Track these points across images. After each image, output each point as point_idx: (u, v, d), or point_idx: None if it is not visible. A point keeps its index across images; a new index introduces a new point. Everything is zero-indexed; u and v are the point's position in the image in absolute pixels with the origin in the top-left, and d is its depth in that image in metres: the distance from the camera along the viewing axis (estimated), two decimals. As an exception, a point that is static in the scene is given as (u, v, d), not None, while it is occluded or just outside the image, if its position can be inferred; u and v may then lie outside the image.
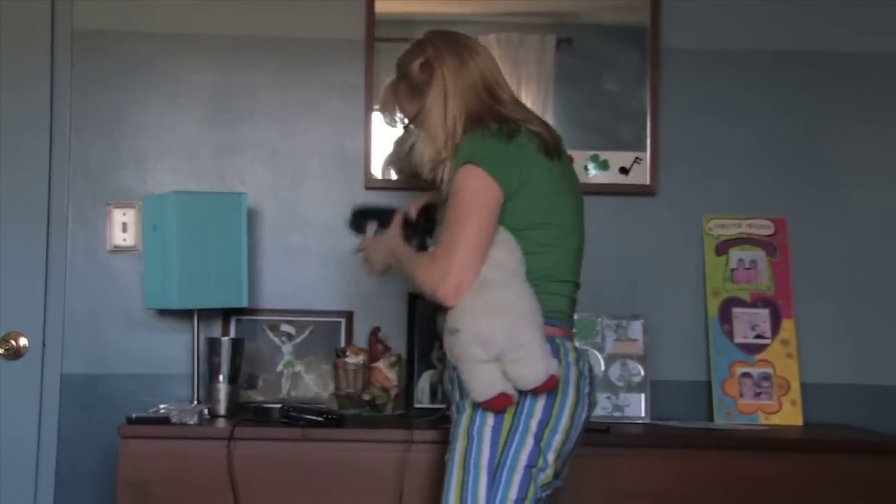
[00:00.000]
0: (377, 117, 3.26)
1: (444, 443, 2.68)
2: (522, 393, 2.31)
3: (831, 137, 3.35)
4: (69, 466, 3.19)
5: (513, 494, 2.29)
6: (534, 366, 2.27)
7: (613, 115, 3.32)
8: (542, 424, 2.33)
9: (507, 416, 2.32)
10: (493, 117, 2.41)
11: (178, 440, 2.77)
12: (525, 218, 2.37)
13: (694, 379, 3.26)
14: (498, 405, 2.29)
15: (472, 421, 2.34)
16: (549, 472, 2.34)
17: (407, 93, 2.51)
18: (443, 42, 2.50)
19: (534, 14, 3.32)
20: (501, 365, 2.28)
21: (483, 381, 2.29)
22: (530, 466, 2.31)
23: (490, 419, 2.32)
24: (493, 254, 2.33)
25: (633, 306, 3.23)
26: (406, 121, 2.55)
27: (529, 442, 2.32)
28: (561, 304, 2.41)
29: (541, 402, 2.33)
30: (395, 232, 2.58)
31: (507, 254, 2.34)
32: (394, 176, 3.18)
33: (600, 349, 3.16)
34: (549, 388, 2.30)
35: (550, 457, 2.33)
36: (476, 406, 2.33)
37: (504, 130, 2.38)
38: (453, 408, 2.47)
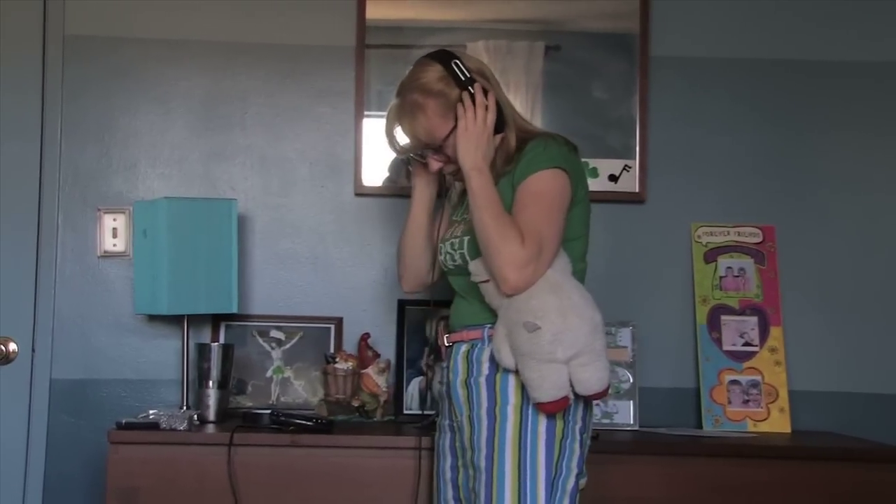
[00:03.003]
0: (367, 124, 3.28)
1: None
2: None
3: (820, 146, 3.37)
4: (58, 472, 3.19)
5: (567, 502, 2.33)
6: (601, 372, 2.32)
7: (602, 122, 3.33)
8: (582, 432, 2.38)
9: (559, 425, 2.34)
10: (531, 128, 2.52)
11: (168, 446, 2.77)
12: (575, 229, 2.43)
13: (682, 386, 3.27)
14: (558, 408, 2.30)
15: (522, 429, 2.33)
16: (586, 478, 2.40)
17: (438, 110, 2.44)
18: (461, 55, 2.48)
19: (522, 21, 3.33)
20: (569, 367, 2.29)
21: (552, 381, 2.28)
22: (579, 474, 2.36)
23: (542, 427, 2.33)
24: (556, 260, 2.36)
25: (622, 313, 3.23)
26: (435, 143, 2.47)
27: (577, 449, 2.36)
28: None
29: (580, 412, 2.38)
30: (490, 136, 2.42)
31: (565, 262, 2.39)
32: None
33: (589, 356, 3.17)
34: (604, 396, 2.36)
35: (584, 463, 2.40)
36: (523, 413, 2.33)
37: (568, 143, 2.45)
38: (472, 414, 2.41)
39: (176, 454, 2.77)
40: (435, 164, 2.51)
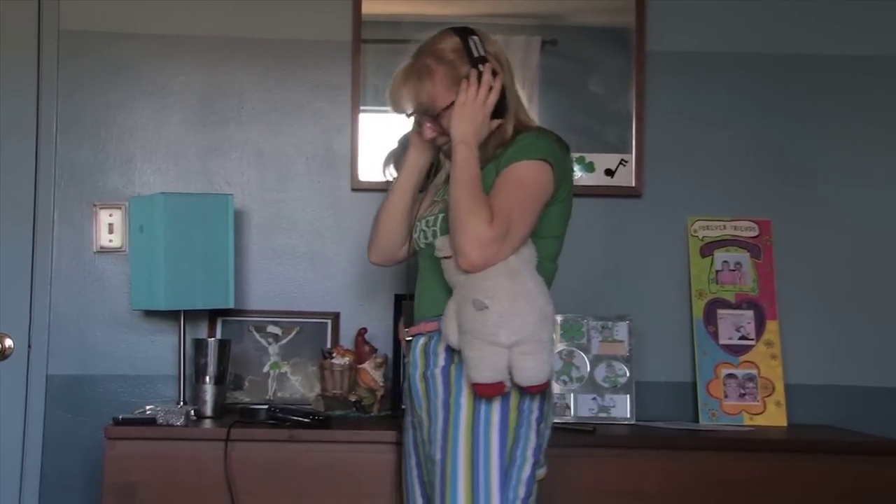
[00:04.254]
0: (364, 118, 3.28)
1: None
2: (514, 389, 2.31)
3: (816, 139, 3.37)
4: (55, 468, 3.19)
5: (523, 492, 2.31)
6: (542, 364, 2.29)
7: (599, 117, 3.33)
8: (539, 422, 2.36)
9: (512, 413, 2.33)
10: (531, 123, 2.51)
11: (165, 441, 2.77)
12: (549, 228, 2.43)
13: (679, 380, 3.27)
14: (491, 392, 2.28)
15: (475, 418, 2.32)
16: (545, 469, 2.38)
17: (444, 79, 2.42)
18: (482, 34, 2.47)
19: (519, 16, 3.33)
20: (510, 354, 2.27)
21: (491, 363, 2.27)
22: (535, 463, 2.34)
23: (496, 416, 2.32)
24: (520, 248, 2.35)
25: (619, 307, 3.24)
26: (433, 110, 2.45)
27: (533, 438, 2.34)
28: None
29: (536, 402, 2.36)
30: (486, 115, 2.41)
31: (530, 253, 2.37)
32: (392, 174, 3.12)
33: (586, 350, 3.17)
34: (541, 390, 2.33)
35: (543, 453, 2.38)
36: (476, 401, 2.32)
37: (560, 141, 2.45)
38: (430, 407, 2.41)
39: (173, 450, 2.77)
40: (429, 133, 2.49)
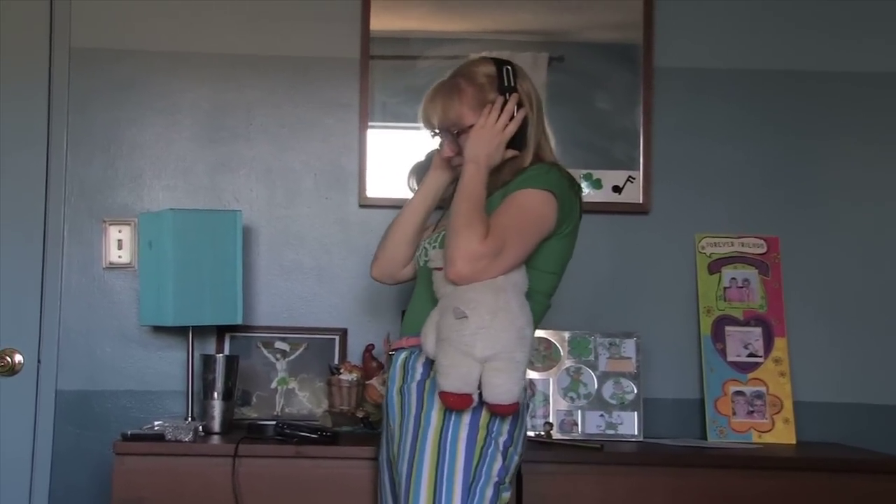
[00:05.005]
0: (372, 135, 3.29)
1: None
2: (481, 407, 2.31)
3: (823, 156, 3.37)
4: (63, 483, 3.19)
5: None
6: (513, 384, 2.28)
7: (606, 133, 3.33)
8: (507, 445, 2.36)
9: (481, 432, 2.32)
10: (554, 160, 2.51)
11: (173, 457, 2.77)
12: (548, 263, 2.43)
13: (687, 397, 3.27)
14: (457, 403, 2.28)
15: (442, 433, 2.32)
16: (510, 493, 2.38)
17: (472, 101, 2.45)
18: (518, 68, 2.50)
19: (526, 32, 3.34)
20: (483, 369, 2.27)
21: (461, 374, 2.27)
22: (499, 483, 2.34)
23: (463, 433, 2.32)
24: (512, 272, 2.35)
25: (627, 324, 3.24)
26: (454, 129, 2.48)
27: (499, 458, 2.34)
28: None
29: (507, 425, 2.36)
30: (501, 143, 2.43)
31: (522, 278, 2.37)
32: (415, 187, 3.11)
33: (593, 367, 3.17)
34: (508, 412, 2.32)
35: (509, 478, 2.38)
36: (445, 417, 2.32)
37: (574, 181, 2.47)
38: (403, 422, 2.40)
39: (181, 465, 2.77)
40: (447, 151, 2.52)
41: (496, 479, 2.33)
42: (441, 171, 2.62)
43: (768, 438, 3.17)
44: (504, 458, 2.35)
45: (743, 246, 3.31)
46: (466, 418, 2.32)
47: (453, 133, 2.48)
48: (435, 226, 2.63)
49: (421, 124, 3.32)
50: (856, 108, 3.38)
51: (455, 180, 2.53)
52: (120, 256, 3.26)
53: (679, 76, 3.35)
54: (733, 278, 3.30)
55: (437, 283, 2.39)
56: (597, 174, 3.30)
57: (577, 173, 3.25)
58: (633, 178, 3.31)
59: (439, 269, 2.38)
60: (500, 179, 2.45)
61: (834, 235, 3.35)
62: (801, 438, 3.19)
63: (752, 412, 3.20)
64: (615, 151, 3.32)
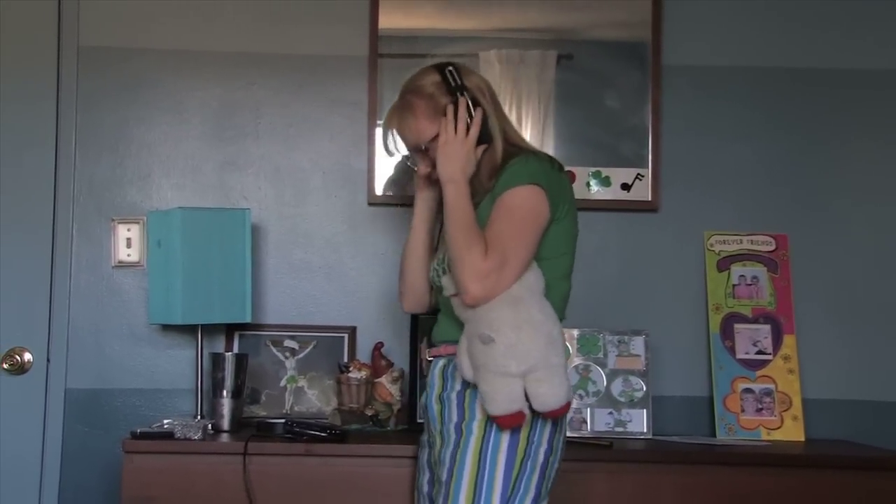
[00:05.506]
0: (380, 133, 3.28)
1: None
2: (533, 417, 2.31)
3: (832, 154, 3.37)
4: (73, 481, 3.20)
5: None
6: (558, 388, 2.29)
7: (615, 131, 3.33)
8: (547, 455, 2.37)
9: (521, 444, 2.33)
10: (524, 145, 2.51)
11: (183, 455, 2.78)
12: (555, 248, 2.42)
13: (696, 394, 3.27)
14: (512, 422, 2.29)
15: (483, 444, 2.33)
16: (546, 501, 2.39)
17: (426, 112, 2.47)
18: (460, 66, 2.50)
19: (534, 30, 3.34)
20: (525, 382, 2.28)
21: (505, 394, 2.27)
22: (538, 496, 2.35)
23: (504, 444, 2.32)
24: (525, 275, 2.35)
25: (635, 322, 3.24)
26: (422, 145, 2.49)
27: (538, 471, 2.35)
28: None
29: (546, 433, 2.36)
30: (470, 149, 2.42)
31: (535, 278, 2.37)
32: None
33: (602, 365, 3.17)
34: (563, 412, 2.33)
35: (548, 487, 2.38)
36: (487, 428, 2.33)
37: (553, 161, 2.46)
38: (444, 429, 2.42)
39: (190, 464, 2.78)
40: (423, 169, 2.53)
41: (534, 492, 2.34)
42: (426, 189, 2.62)
43: (777, 436, 3.17)
44: (544, 469, 2.36)
45: (752, 243, 3.31)
46: (506, 433, 2.33)
47: (422, 149, 2.49)
48: (436, 243, 2.63)
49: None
50: (865, 105, 3.37)
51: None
52: (129, 255, 3.26)
53: (688, 74, 3.35)
54: (742, 276, 3.30)
55: (457, 308, 2.40)
56: (605, 172, 3.30)
57: (585, 171, 3.29)
58: (642, 176, 3.31)
59: (455, 295, 2.38)
60: (482, 182, 2.44)
61: (843, 233, 3.35)
62: (809, 435, 3.19)
63: (761, 409, 3.20)
64: (624, 149, 3.32)
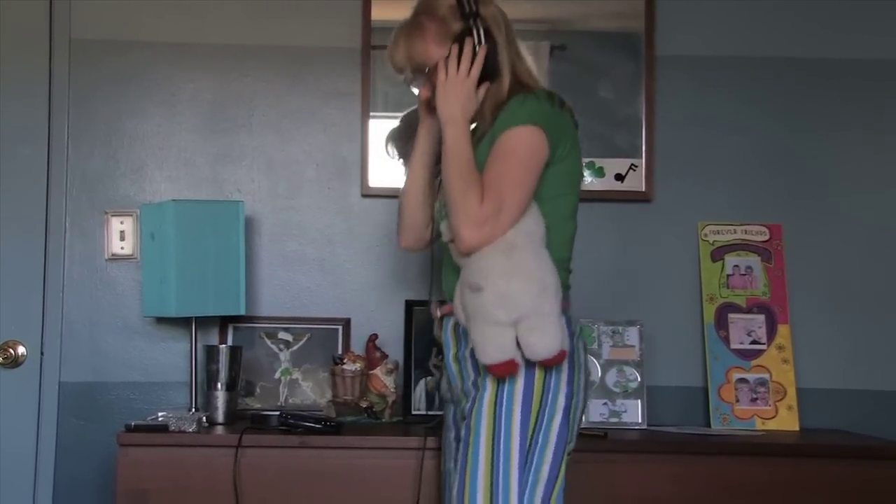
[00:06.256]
0: (374, 125, 3.29)
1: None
2: (529, 365, 2.27)
3: (826, 143, 3.37)
4: (67, 475, 3.19)
5: (546, 473, 2.27)
6: (550, 337, 2.24)
7: (608, 122, 3.33)
8: (569, 398, 2.31)
9: (536, 395, 2.28)
10: (531, 82, 2.42)
11: (177, 448, 2.78)
12: (557, 187, 2.36)
13: (690, 385, 3.27)
14: (503, 371, 2.25)
15: (497, 397, 2.28)
16: (574, 443, 2.36)
17: (436, 36, 2.39)
18: None
19: (527, 21, 3.33)
20: (516, 331, 2.24)
21: (496, 343, 2.24)
22: (563, 442, 2.30)
23: (518, 395, 2.27)
24: (522, 220, 2.30)
25: (630, 312, 3.24)
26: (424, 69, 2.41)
27: (559, 418, 2.29)
28: (566, 278, 2.41)
29: (564, 376, 2.30)
30: (471, 88, 2.34)
31: (534, 222, 2.32)
32: (393, 152, 3.04)
33: (597, 355, 3.17)
34: (557, 362, 2.27)
35: (576, 429, 2.36)
36: (500, 383, 2.27)
37: (554, 98, 2.39)
38: (464, 386, 2.37)
39: (185, 456, 2.78)
40: (425, 92, 2.45)
41: (556, 440, 2.28)
42: (429, 118, 2.51)
43: (772, 425, 3.17)
44: (567, 412, 2.30)
45: (745, 233, 3.31)
46: (520, 382, 2.28)
47: (426, 73, 2.42)
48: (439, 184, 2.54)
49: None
50: (859, 95, 3.37)
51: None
52: (122, 248, 3.26)
53: (681, 64, 3.35)
54: (736, 266, 3.30)
55: (454, 254, 2.36)
56: (599, 162, 3.30)
57: (579, 162, 3.28)
58: (636, 167, 3.31)
59: (452, 240, 2.35)
60: (484, 119, 2.38)
61: (837, 222, 3.35)
62: (804, 425, 3.19)
63: (756, 399, 3.20)
64: (618, 140, 3.32)
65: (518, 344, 2.25)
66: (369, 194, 3.29)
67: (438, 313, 2.49)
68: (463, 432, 2.33)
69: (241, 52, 3.31)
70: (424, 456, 2.72)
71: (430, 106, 2.45)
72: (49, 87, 3.26)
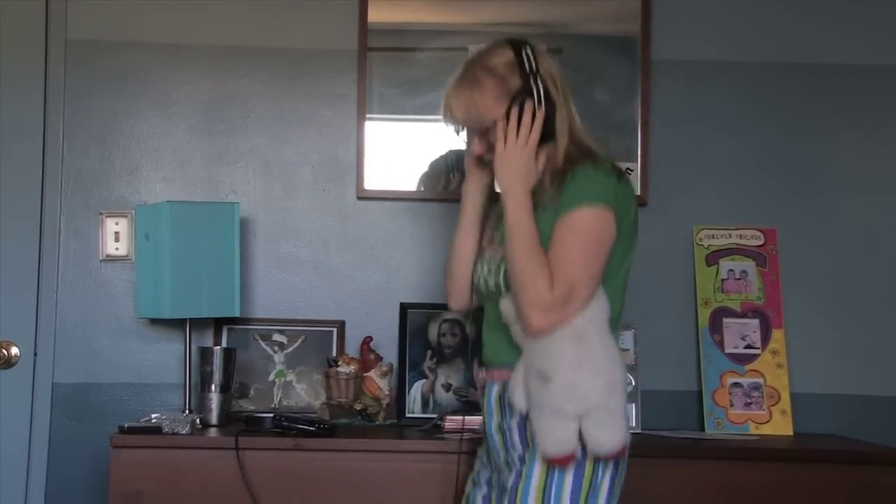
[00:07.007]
0: (370, 127, 3.28)
1: (440, 452, 2.70)
2: (584, 458, 2.24)
3: (821, 147, 3.37)
4: (60, 476, 3.18)
5: None
6: (615, 433, 2.21)
7: (604, 125, 3.32)
8: (608, 493, 2.29)
9: (585, 482, 2.24)
10: (588, 144, 2.36)
11: (171, 450, 2.77)
12: (617, 262, 2.31)
13: (684, 389, 3.27)
14: (563, 463, 2.21)
15: (548, 481, 2.24)
16: None
17: (494, 91, 2.31)
18: (535, 48, 2.35)
19: (524, 24, 3.33)
20: (581, 423, 2.19)
21: (559, 436, 2.19)
22: None
23: (568, 482, 2.23)
24: (589, 307, 2.23)
25: (624, 316, 3.19)
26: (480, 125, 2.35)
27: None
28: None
29: (609, 472, 2.27)
30: (531, 156, 2.29)
31: (601, 307, 2.26)
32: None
33: (591, 359, 3.16)
34: (619, 457, 2.25)
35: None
36: (549, 470, 2.24)
37: (618, 170, 2.33)
38: (508, 458, 2.34)
39: (178, 458, 2.77)
40: (477, 149, 2.39)
41: None
42: (477, 173, 2.46)
43: (765, 430, 3.17)
44: (609, 498, 2.28)
45: (741, 238, 3.31)
46: (570, 472, 2.24)
47: (481, 129, 2.36)
48: (491, 236, 2.47)
49: (418, 115, 3.34)
50: (853, 100, 3.38)
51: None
52: (117, 249, 3.25)
53: (677, 68, 3.35)
54: (731, 270, 3.30)
55: (516, 334, 2.28)
56: (594, 166, 3.29)
57: (574, 165, 3.27)
58: (631, 170, 3.30)
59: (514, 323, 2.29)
60: (542, 184, 2.31)
61: (831, 227, 3.35)
62: (798, 430, 3.19)
63: (750, 404, 3.20)
64: (613, 143, 3.30)
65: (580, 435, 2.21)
66: (365, 196, 3.29)
67: (482, 377, 2.44)
68: (506, 502, 2.29)
69: (237, 53, 3.30)
70: (420, 459, 2.72)
71: (481, 160, 2.41)
72: (45, 87, 3.25)
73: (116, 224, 3.25)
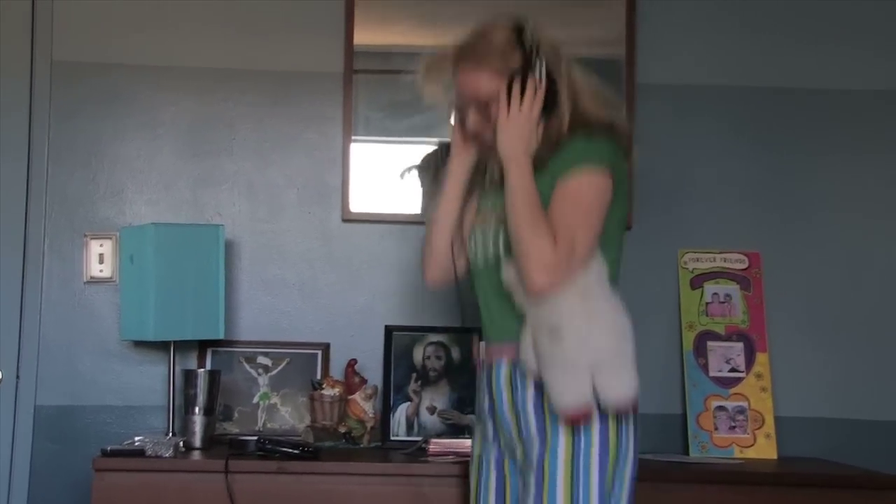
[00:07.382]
0: (355, 149, 3.29)
1: (424, 476, 2.70)
2: (602, 416, 2.24)
3: (805, 172, 3.39)
4: (42, 499, 3.16)
5: None
6: (627, 383, 2.23)
7: (589, 148, 3.33)
8: (634, 462, 2.31)
9: (612, 448, 2.26)
10: (594, 114, 2.35)
11: (154, 473, 2.75)
12: (614, 224, 2.34)
13: (669, 412, 3.27)
14: (579, 418, 2.22)
15: (574, 453, 2.25)
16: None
17: (493, 67, 2.31)
18: (536, 24, 2.34)
19: (510, 47, 3.34)
20: (593, 375, 2.21)
21: (575, 389, 2.20)
22: (632, 494, 2.30)
23: (596, 450, 2.25)
24: (590, 264, 2.26)
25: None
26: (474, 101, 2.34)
27: (631, 470, 2.30)
28: None
29: (630, 429, 2.30)
30: (534, 126, 2.31)
31: (599, 263, 2.29)
32: (413, 175, 2.89)
33: (576, 382, 3.16)
34: (633, 410, 2.28)
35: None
36: (575, 439, 2.24)
37: (617, 134, 2.33)
38: (521, 436, 2.31)
39: (161, 481, 2.76)
40: (474, 124, 2.38)
41: (629, 487, 2.29)
42: (464, 152, 2.45)
43: (750, 454, 3.17)
44: (634, 468, 2.31)
45: (725, 261, 3.32)
46: (596, 434, 2.25)
47: (477, 104, 2.35)
48: (477, 209, 2.46)
49: (404, 137, 3.33)
50: (837, 124, 3.39)
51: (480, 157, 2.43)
52: (101, 270, 3.24)
53: (661, 92, 3.36)
54: (715, 293, 3.31)
55: (519, 297, 2.29)
56: (579, 189, 3.29)
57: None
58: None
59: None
60: (540, 152, 2.32)
61: (815, 251, 3.36)
62: (782, 454, 3.20)
63: (734, 427, 3.20)
64: (598, 167, 3.32)
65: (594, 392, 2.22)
66: (350, 219, 3.29)
67: (483, 357, 2.43)
68: (532, 477, 2.27)
69: (222, 75, 3.31)
70: (405, 482, 2.71)
71: (469, 135, 2.41)
72: (30, 108, 3.25)
73: (101, 246, 3.25)
